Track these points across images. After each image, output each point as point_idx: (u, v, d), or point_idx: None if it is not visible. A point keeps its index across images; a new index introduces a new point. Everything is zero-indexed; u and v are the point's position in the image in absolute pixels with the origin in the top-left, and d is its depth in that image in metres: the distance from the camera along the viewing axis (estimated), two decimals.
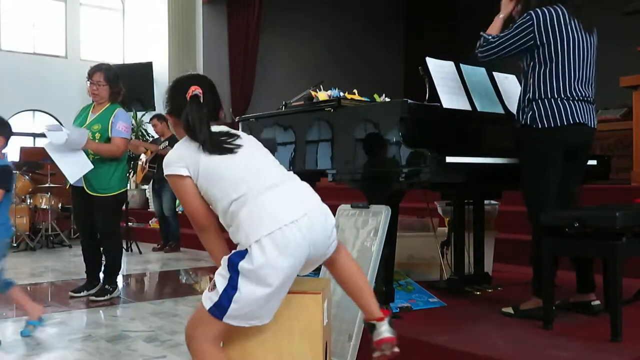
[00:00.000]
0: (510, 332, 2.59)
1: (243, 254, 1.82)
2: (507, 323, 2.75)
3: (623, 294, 2.48)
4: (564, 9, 2.74)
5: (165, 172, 2.01)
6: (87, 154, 4.21)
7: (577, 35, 2.74)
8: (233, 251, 1.88)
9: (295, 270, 1.88)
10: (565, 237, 2.60)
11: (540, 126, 2.72)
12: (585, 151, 2.94)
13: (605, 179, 3.45)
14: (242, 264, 1.80)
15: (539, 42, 2.72)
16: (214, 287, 1.86)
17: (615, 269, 2.42)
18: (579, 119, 2.72)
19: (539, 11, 2.73)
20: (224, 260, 1.87)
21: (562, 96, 2.72)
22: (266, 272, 1.79)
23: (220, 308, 1.82)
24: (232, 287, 1.81)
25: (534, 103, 2.75)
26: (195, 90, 2.05)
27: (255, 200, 1.87)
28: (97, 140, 4.20)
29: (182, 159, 1.98)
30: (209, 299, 1.85)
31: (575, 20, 2.75)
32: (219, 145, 1.97)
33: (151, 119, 7.47)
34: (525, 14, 2.76)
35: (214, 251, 2.02)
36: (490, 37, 2.84)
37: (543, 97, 2.73)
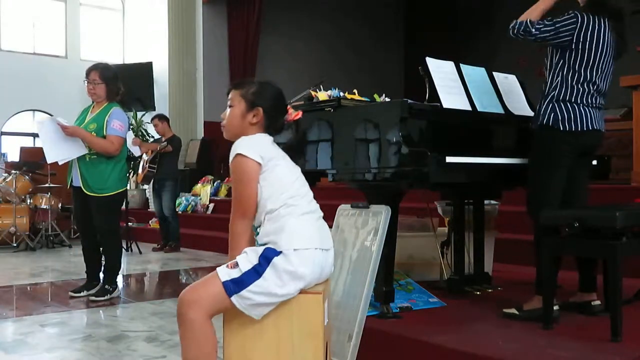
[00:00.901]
0: (510, 332, 2.59)
1: (277, 252, 1.90)
2: (507, 323, 2.75)
3: (623, 294, 2.47)
4: (606, 21, 2.78)
5: (239, 151, 1.97)
6: (84, 155, 4.21)
7: (608, 49, 2.80)
8: (263, 246, 1.94)
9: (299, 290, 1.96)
10: (565, 237, 2.60)
11: (562, 128, 2.76)
12: (594, 152, 3.03)
13: (605, 179, 3.46)
14: (279, 260, 1.88)
15: (574, 46, 2.76)
16: (235, 265, 1.90)
17: (615, 269, 2.42)
18: (595, 125, 2.81)
19: (585, 16, 2.75)
20: (254, 250, 1.93)
21: (584, 102, 2.79)
22: (289, 281, 1.88)
23: (238, 284, 1.86)
24: (257, 272, 1.87)
25: (556, 105, 2.78)
26: (299, 116, 2.16)
27: (305, 215, 1.99)
28: None
29: (262, 146, 2.01)
30: (227, 273, 1.88)
31: (609, 31, 2.79)
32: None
33: (152, 119, 7.47)
34: (571, 13, 2.77)
35: (240, 241, 2.00)
36: (531, 25, 2.75)
37: (567, 99, 2.78)
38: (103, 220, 4.28)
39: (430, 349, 2.46)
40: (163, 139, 7.24)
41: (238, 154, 1.97)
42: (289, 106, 2.17)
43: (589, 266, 2.91)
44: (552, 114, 2.78)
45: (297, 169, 2.11)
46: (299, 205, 1.99)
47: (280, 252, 1.90)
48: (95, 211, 4.25)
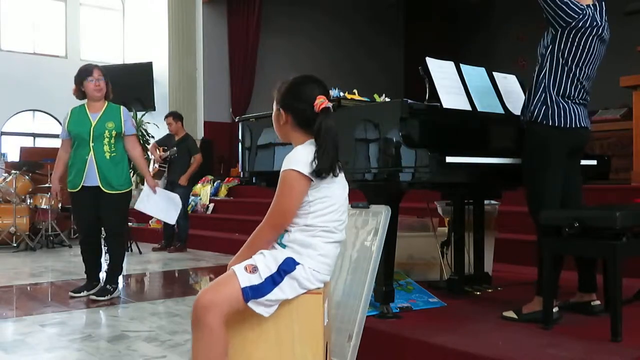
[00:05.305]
0: (510, 332, 2.59)
1: (296, 264, 1.90)
2: (507, 323, 2.75)
3: (623, 294, 2.47)
4: (603, 21, 2.74)
5: (291, 166, 1.89)
6: (103, 152, 4.24)
7: (598, 48, 2.76)
8: (283, 249, 1.93)
9: None
10: (565, 237, 2.60)
11: (551, 124, 2.72)
12: (582, 151, 2.97)
13: (605, 179, 3.45)
14: (297, 273, 1.89)
15: (567, 31, 2.69)
16: (254, 270, 1.88)
17: (615, 269, 2.42)
18: (582, 122, 2.78)
19: (592, 13, 2.69)
20: (272, 255, 1.91)
21: (573, 100, 2.75)
22: (298, 287, 1.91)
23: (256, 292, 1.86)
24: (274, 282, 1.88)
25: (548, 99, 2.74)
26: (325, 104, 1.97)
27: (335, 243, 1.97)
28: (112, 137, 4.28)
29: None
30: (247, 278, 1.87)
31: (600, 31, 2.74)
32: (335, 168, 1.94)
33: (166, 117, 7.29)
34: (583, 5, 2.69)
35: (259, 249, 1.96)
36: None
37: (557, 95, 2.73)
38: (118, 220, 4.39)
39: (430, 349, 2.46)
40: (176, 138, 7.17)
41: (289, 170, 1.90)
42: (318, 95, 1.97)
43: (588, 266, 2.90)
44: (544, 108, 2.74)
45: (347, 189, 2.03)
46: (337, 234, 1.97)
47: (300, 263, 1.91)
48: (113, 210, 4.29)
